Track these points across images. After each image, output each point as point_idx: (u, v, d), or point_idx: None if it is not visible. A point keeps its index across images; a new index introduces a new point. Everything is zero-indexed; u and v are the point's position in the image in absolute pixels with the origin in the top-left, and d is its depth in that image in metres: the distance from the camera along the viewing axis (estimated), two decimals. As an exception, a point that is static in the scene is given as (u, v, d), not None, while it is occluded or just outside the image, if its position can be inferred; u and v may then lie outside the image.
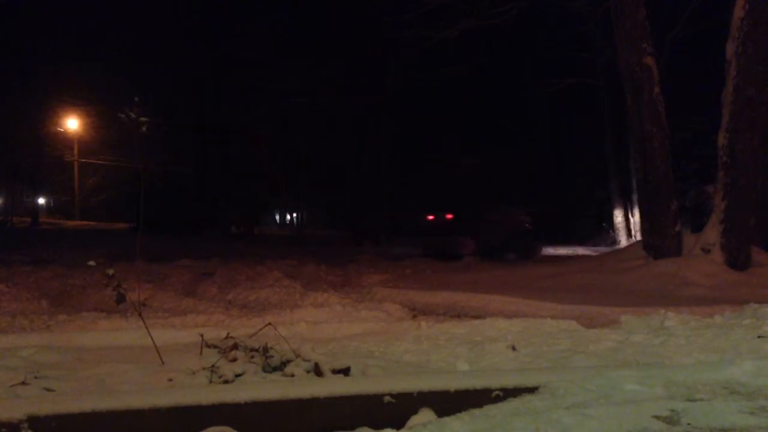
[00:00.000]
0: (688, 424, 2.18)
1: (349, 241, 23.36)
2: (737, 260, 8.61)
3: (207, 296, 8.46)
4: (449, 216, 17.07)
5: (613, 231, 23.64)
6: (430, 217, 17.43)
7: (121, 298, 3.73)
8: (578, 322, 5.15)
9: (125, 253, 12.39)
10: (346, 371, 3.47)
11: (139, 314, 3.96)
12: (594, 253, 16.52)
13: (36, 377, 3.30)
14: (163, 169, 23.92)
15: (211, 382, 3.33)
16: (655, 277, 8.35)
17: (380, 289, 8.91)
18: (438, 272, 11.52)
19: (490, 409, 2.51)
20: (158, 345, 3.75)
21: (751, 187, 8.67)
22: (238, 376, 3.40)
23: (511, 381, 2.88)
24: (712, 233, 8.79)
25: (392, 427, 2.62)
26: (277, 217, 46.18)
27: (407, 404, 2.79)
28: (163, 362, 3.60)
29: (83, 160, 37.74)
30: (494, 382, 2.88)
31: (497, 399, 2.75)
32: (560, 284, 8.76)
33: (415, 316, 6.76)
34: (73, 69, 28.95)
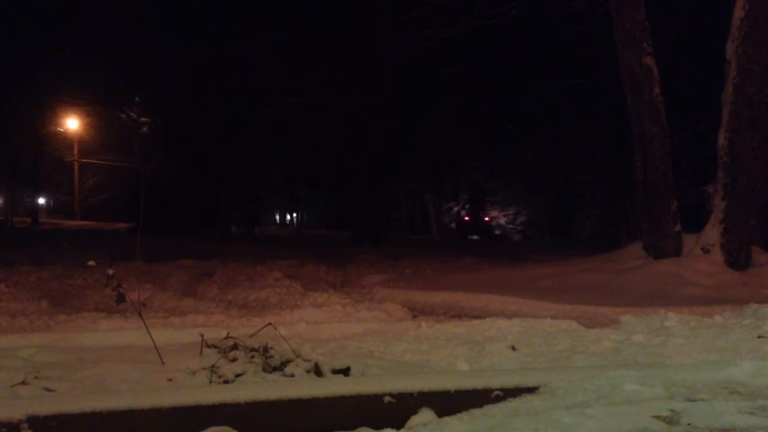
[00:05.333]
0: (688, 424, 2.18)
1: (349, 241, 23.36)
2: (737, 260, 8.60)
3: (207, 296, 8.47)
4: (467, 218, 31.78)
5: (614, 231, 23.62)
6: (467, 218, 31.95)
7: (121, 298, 3.73)
8: (578, 322, 5.14)
9: (125, 253, 12.38)
10: (346, 371, 3.47)
11: (139, 314, 3.96)
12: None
13: (36, 377, 3.30)
14: (163, 169, 23.88)
15: (211, 382, 3.33)
16: (655, 277, 8.34)
17: (380, 289, 8.90)
18: (438, 272, 11.52)
19: (490, 409, 2.51)
20: (158, 345, 3.75)
21: (751, 187, 8.66)
22: (238, 376, 3.40)
23: (511, 381, 2.88)
24: (712, 233, 8.79)
25: (392, 427, 2.62)
26: (277, 217, 46.19)
27: (407, 404, 2.79)
28: (163, 362, 3.60)
29: (83, 160, 37.73)
30: (494, 382, 2.88)
31: (497, 399, 2.75)
32: (560, 284, 8.75)
33: (415, 316, 6.76)
34: (73, 69, 28.92)
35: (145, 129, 4.07)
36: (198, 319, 6.32)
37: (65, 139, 37.11)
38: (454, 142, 29.12)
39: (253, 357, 3.63)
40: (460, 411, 2.51)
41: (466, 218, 31.39)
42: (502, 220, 32.20)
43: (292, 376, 3.42)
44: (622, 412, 2.32)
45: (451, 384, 2.87)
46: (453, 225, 34.05)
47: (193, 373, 3.42)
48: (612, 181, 23.51)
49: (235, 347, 3.73)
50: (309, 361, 3.55)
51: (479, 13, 11.21)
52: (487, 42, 18.83)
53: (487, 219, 31.43)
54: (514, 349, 4.14)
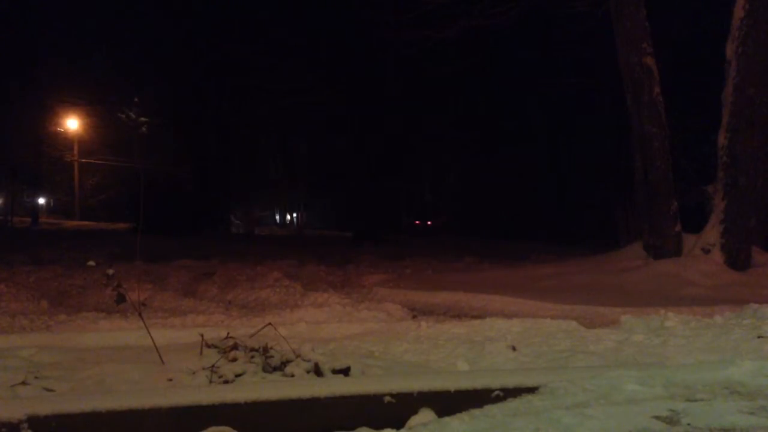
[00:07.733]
0: (688, 424, 2.18)
1: (349, 241, 23.37)
2: (737, 260, 8.60)
3: (207, 296, 8.46)
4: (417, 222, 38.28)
5: (614, 231, 23.61)
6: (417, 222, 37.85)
7: (121, 299, 3.73)
8: (578, 322, 5.14)
9: (125, 253, 12.39)
10: (346, 371, 3.47)
11: (139, 314, 3.96)
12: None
13: (36, 377, 3.30)
14: (163, 169, 23.93)
15: (211, 382, 3.33)
16: (655, 277, 8.34)
17: (380, 289, 8.90)
18: (438, 272, 11.51)
19: (490, 409, 2.51)
20: (158, 345, 3.75)
21: (751, 187, 8.67)
22: (238, 376, 3.40)
23: (511, 381, 2.88)
24: (712, 233, 8.79)
25: (392, 427, 2.62)
26: (277, 217, 46.21)
27: (407, 404, 2.79)
28: (163, 362, 3.60)
29: (83, 160, 37.71)
30: (494, 382, 2.88)
31: (497, 399, 2.75)
32: (560, 284, 8.75)
33: (415, 316, 6.76)
34: (73, 69, 28.94)
35: (144, 129, 4.08)
36: (198, 319, 6.32)
37: (65, 139, 37.09)
38: (454, 142, 29.09)
39: (253, 357, 3.63)
40: (460, 411, 2.51)
41: (417, 222, 38.90)
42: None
43: (292, 376, 3.42)
44: (622, 412, 2.32)
45: (451, 384, 2.87)
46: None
47: (193, 373, 3.42)
48: (612, 181, 23.48)
49: (235, 347, 3.73)
50: (309, 361, 3.55)
51: (479, 13, 11.22)
52: (487, 42, 18.82)
53: (429, 223, 39.17)
54: (514, 349, 4.14)
